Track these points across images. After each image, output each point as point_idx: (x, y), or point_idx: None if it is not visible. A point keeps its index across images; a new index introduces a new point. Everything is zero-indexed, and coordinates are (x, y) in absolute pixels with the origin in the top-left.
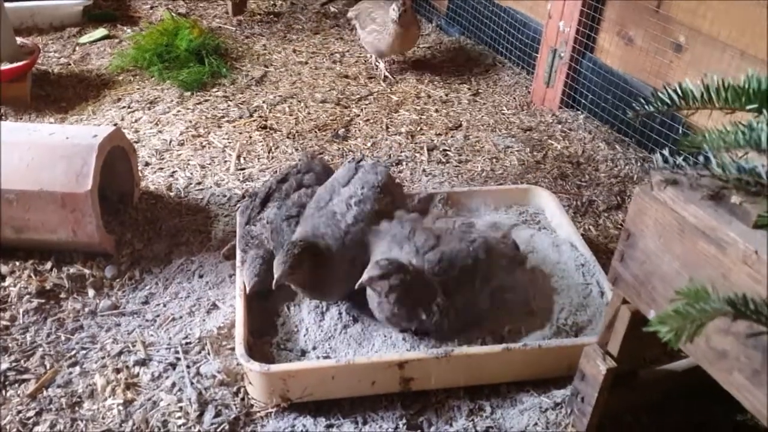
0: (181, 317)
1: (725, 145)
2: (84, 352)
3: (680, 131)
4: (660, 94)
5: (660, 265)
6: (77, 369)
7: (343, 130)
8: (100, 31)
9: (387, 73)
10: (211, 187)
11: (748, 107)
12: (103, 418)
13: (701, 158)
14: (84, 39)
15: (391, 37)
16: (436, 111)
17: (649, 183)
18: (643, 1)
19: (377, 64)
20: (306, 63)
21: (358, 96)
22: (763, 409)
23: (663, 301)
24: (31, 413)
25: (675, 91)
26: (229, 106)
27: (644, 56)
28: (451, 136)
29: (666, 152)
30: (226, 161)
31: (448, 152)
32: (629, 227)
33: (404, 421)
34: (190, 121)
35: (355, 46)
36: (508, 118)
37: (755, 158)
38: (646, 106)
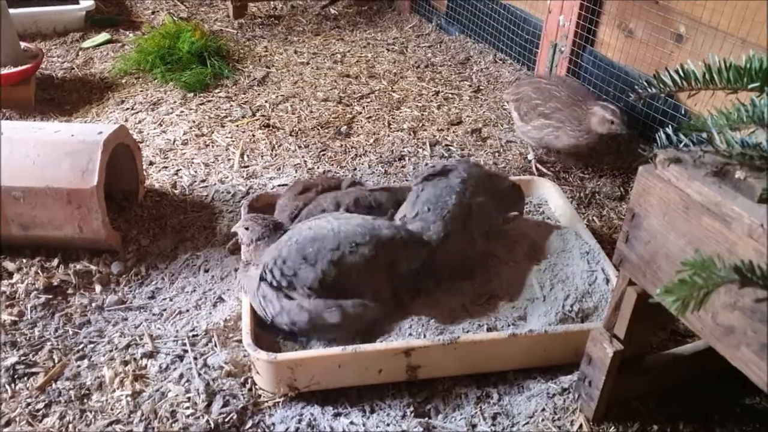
0: (187, 311)
1: (729, 123)
2: (92, 345)
3: (683, 120)
4: (662, 76)
5: (665, 243)
6: (85, 362)
7: (345, 127)
8: (103, 36)
9: (540, 166)
10: (215, 184)
11: (750, 86)
12: (112, 409)
13: (705, 136)
14: (87, 43)
15: (579, 141)
16: (438, 108)
17: (653, 162)
18: None
19: (530, 157)
20: (307, 63)
21: (359, 94)
22: None
23: (668, 279)
24: (41, 405)
25: (677, 72)
26: (231, 106)
27: (645, 48)
28: (453, 132)
29: (669, 130)
30: (229, 159)
31: (450, 147)
32: (633, 207)
33: (412, 408)
34: (194, 121)
35: (356, 47)
36: (510, 113)
37: (759, 135)
38: (648, 89)
